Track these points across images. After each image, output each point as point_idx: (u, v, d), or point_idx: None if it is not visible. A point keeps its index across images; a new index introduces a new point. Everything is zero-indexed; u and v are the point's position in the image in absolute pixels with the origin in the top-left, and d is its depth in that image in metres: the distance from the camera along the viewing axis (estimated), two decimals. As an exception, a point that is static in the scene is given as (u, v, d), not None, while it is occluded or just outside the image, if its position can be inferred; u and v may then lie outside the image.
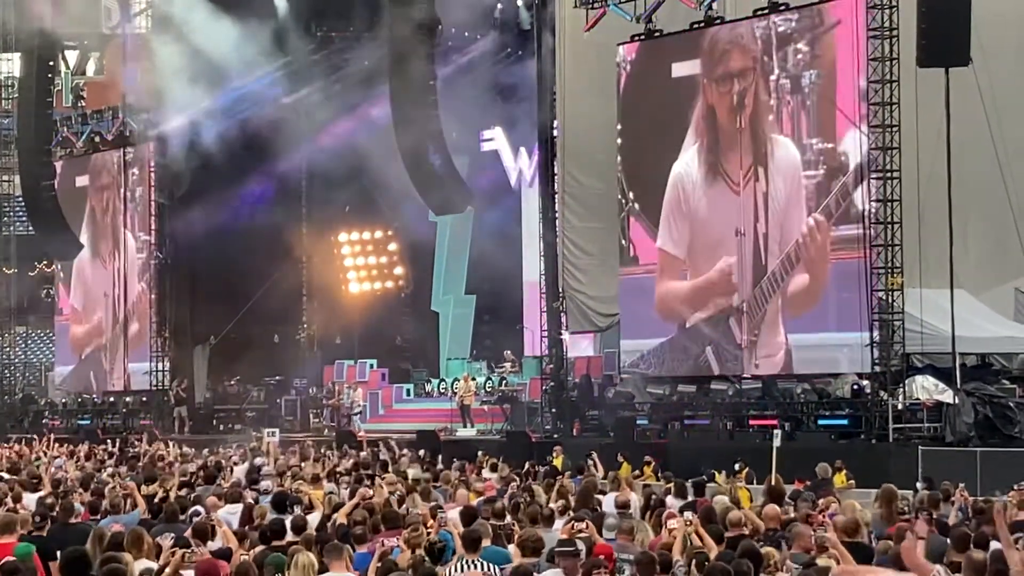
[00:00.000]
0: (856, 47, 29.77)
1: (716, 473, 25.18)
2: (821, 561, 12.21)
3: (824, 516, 14.80)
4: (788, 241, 31.32)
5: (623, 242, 34.71)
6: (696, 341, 32.89)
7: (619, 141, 34.82)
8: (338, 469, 23.78)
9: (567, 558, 11.94)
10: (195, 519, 14.77)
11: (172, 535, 12.93)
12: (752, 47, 32.01)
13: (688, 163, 33.40)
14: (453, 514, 15.05)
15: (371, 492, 17.20)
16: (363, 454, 29.27)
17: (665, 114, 34.10)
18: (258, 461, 25.54)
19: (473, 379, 40.11)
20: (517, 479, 22.32)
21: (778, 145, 31.64)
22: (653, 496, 18.15)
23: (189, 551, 12.05)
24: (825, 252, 30.58)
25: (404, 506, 16.99)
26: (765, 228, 31.75)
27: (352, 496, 17.03)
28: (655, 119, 34.29)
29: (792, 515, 15.53)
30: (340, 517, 15.52)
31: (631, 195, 34.64)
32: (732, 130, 32.43)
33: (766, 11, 31.28)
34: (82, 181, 48.44)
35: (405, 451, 29.98)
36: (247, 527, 15.16)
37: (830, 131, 30.79)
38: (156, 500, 18.05)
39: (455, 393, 40.84)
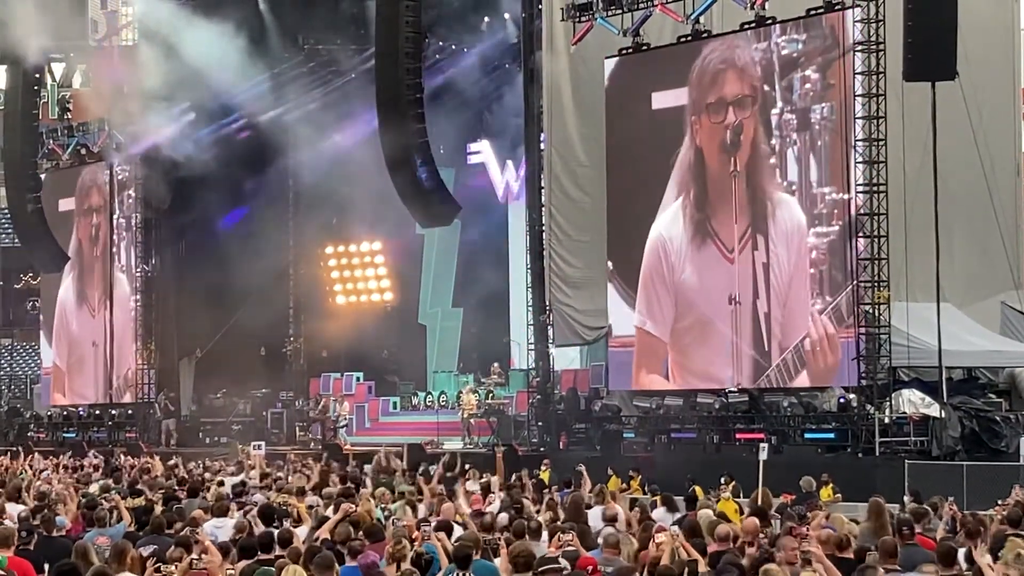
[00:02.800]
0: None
1: (696, 488, 25.17)
2: (805, 574, 12.18)
3: (808, 529, 14.78)
4: (792, 324, 29.21)
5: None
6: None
7: (606, 188, 33.90)
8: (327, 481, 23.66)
9: (551, 574, 11.87)
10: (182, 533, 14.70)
11: (155, 547, 12.90)
12: (751, 71, 30.61)
13: (671, 222, 31.51)
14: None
15: (354, 507, 17.10)
16: (350, 467, 29.18)
17: (645, 157, 32.77)
18: (245, 474, 25.45)
19: (474, 392, 39.88)
20: (505, 491, 22.23)
21: (780, 206, 29.54)
22: (636, 508, 18.13)
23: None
24: (837, 353, 28.56)
25: (391, 518, 16.94)
26: (767, 307, 29.48)
27: (336, 510, 16.94)
28: (635, 162, 33.11)
29: (778, 529, 15.52)
30: (324, 532, 15.44)
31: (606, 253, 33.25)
32: (724, 177, 30.91)
33: (753, 24, 31.25)
34: (66, 205, 47.84)
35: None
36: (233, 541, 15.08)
37: (843, 179, 29.17)
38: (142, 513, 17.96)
39: (440, 406, 40.78)
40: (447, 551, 13.42)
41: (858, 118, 29.26)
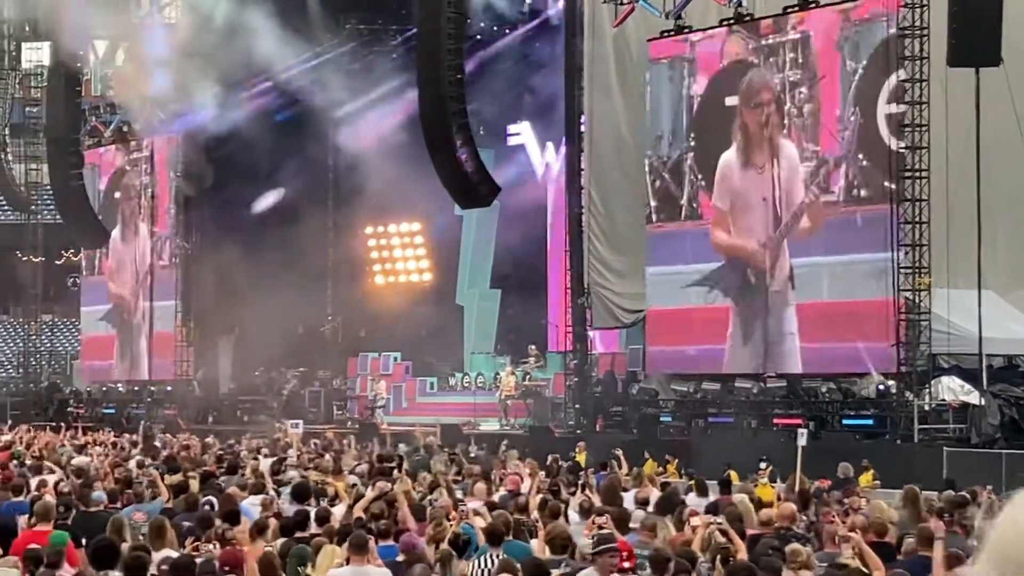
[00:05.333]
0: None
1: (732, 472, 25.06)
2: (843, 559, 12.15)
3: (834, 515, 14.72)
4: (793, 203, 31.82)
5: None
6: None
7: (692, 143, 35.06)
8: (361, 461, 23.72)
9: (607, 555, 11.54)
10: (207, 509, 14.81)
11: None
12: (774, 86, 32.06)
13: (730, 156, 33.45)
14: (474, 507, 14.99)
15: (389, 485, 17.08)
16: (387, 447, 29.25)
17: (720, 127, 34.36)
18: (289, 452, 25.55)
19: (513, 374, 39.84)
20: (542, 473, 22.21)
21: (783, 147, 31.92)
22: (667, 491, 18.06)
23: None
24: (819, 208, 31.09)
25: (430, 499, 16.96)
26: (780, 194, 32.09)
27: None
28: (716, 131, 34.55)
29: (814, 515, 15.48)
30: (357, 510, 15.43)
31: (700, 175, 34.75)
32: (759, 136, 32.40)
33: (796, 7, 31.13)
34: (108, 182, 48.23)
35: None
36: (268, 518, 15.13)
37: (816, 139, 31.19)
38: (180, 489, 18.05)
39: (477, 387, 40.78)
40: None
41: (902, 103, 29.10)
